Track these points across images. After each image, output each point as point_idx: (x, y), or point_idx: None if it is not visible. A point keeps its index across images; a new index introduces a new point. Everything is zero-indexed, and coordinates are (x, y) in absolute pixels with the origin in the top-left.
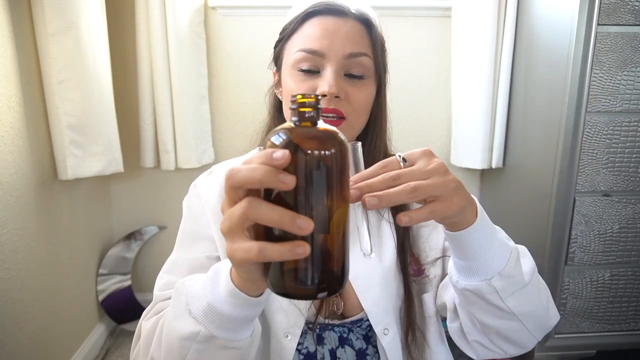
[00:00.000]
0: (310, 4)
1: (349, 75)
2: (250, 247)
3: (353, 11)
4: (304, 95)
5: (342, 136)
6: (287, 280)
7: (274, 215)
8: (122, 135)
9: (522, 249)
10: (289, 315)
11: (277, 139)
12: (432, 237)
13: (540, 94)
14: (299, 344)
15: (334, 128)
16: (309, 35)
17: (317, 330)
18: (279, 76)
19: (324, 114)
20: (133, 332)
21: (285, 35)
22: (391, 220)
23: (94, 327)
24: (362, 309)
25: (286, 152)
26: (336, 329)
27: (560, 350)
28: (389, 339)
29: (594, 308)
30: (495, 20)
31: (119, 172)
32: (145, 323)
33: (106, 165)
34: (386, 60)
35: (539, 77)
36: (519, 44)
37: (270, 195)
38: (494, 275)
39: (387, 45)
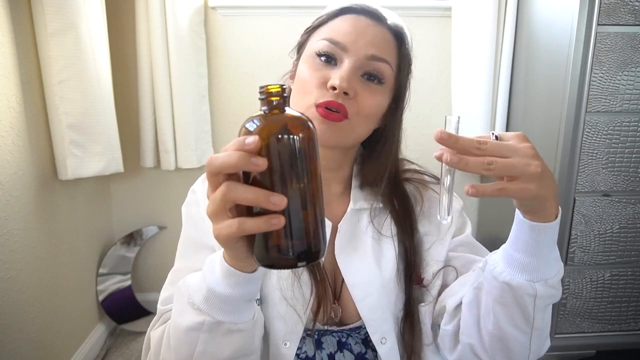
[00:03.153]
0: (348, 2)
1: (365, 78)
2: (231, 223)
3: (389, 22)
4: (270, 85)
5: (310, 123)
6: (270, 253)
7: (250, 195)
8: (122, 135)
9: None
10: (287, 322)
11: (251, 125)
12: (435, 248)
13: (540, 94)
14: (297, 348)
15: (301, 115)
16: (337, 28)
17: (316, 335)
18: (296, 66)
19: (327, 107)
20: (133, 332)
21: (315, 25)
22: (393, 232)
23: (94, 327)
24: (360, 317)
25: (256, 137)
26: (335, 333)
27: (560, 350)
28: (387, 348)
29: (594, 308)
30: (495, 20)
31: (119, 172)
32: (153, 332)
33: (106, 165)
34: (409, 81)
35: (539, 77)
36: (519, 44)
37: (248, 179)
38: (540, 280)
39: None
